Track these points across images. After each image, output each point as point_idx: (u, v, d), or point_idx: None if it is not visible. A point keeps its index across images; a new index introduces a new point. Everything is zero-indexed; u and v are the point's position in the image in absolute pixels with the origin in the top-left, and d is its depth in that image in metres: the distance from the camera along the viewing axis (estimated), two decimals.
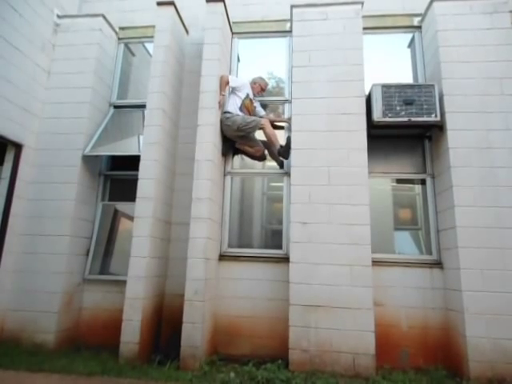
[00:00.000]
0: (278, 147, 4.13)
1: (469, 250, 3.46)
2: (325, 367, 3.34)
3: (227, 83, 4.21)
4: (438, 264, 3.85)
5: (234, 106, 4.21)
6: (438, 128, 3.90)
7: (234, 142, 4.35)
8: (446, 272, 3.75)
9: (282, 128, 4.51)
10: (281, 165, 4.35)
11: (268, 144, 4.25)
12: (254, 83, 4.46)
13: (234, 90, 4.27)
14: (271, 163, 4.48)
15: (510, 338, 3.27)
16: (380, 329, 3.55)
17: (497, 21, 3.97)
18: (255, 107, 4.43)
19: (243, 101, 4.27)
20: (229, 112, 4.18)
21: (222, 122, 4.17)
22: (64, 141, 4.40)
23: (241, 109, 4.23)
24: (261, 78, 4.52)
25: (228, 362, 3.61)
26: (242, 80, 4.40)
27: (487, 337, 3.28)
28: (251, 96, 4.36)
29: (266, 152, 4.37)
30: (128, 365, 3.39)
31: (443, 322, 3.68)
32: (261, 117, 4.36)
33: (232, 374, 3.25)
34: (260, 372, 3.23)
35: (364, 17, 4.21)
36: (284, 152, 4.10)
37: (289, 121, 4.31)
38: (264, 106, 4.65)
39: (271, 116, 4.60)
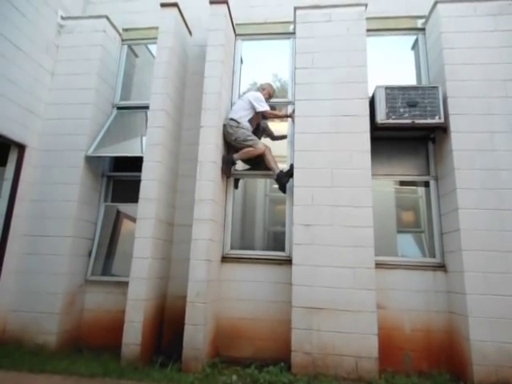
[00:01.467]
0: (277, 171, 4.03)
1: (472, 252, 3.44)
2: (327, 370, 3.32)
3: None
4: (441, 267, 3.83)
5: (242, 113, 4.15)
6: (442, 130, 3.88)
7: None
8: (450, 275, 3.73)
9: (284, 137, 4.50)
10: (283, 189, 4.16)
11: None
12: (262, 89, 4.40)
13: (251, 103, 4.18)
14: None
15: None
16: (383, 332, 3.53)
17: (501, 23, 3.96)
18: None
19: (254, 115, 4.23)
20: (236, 121, 4.10)
21: (225, 126, 4.13)
22: (67, 142, 4.40)
23: (250, 121, 4.20)
24: (269, 85, 4.48)
25: (230, 364, 3.59)
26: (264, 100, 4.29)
27: (491, 340, 3.26)
28: None
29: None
30: (130, 366, 3.39)
31: (447, 325, 3.65)
32: (263, 127, 4.40)
33: (234, 377, 3.24)
34: (262, 375, 3.23)
35: (367, 19, 4.20)
36: (284, 177, 3.99)
37: (292, 114, 4.22)
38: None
39: (270, 110, 4.28)
